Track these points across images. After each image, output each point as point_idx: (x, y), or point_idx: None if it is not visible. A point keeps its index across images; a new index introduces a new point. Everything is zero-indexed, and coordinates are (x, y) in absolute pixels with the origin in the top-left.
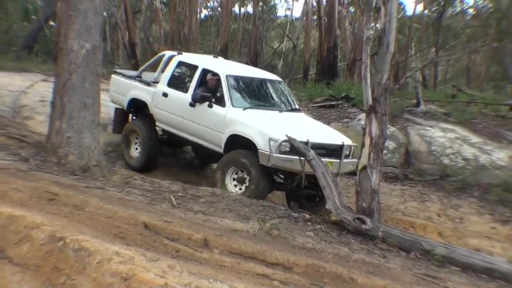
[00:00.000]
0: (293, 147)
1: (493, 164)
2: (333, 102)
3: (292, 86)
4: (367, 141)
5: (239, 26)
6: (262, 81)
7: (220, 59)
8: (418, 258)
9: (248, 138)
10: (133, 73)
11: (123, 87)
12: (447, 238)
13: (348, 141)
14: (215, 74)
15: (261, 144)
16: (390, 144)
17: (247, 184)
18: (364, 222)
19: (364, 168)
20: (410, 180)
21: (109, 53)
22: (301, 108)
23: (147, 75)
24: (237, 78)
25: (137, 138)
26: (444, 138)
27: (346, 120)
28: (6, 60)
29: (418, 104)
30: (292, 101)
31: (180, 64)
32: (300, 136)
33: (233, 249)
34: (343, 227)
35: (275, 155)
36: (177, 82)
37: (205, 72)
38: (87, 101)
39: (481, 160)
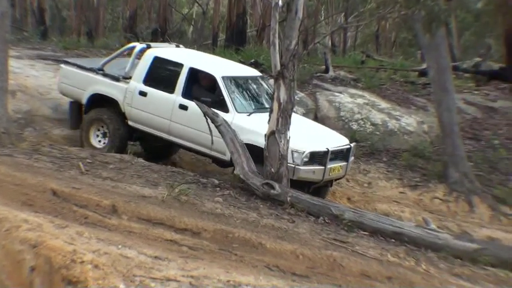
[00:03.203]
0: (313, 157)
1: (401, 129)
2: None
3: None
4: (276, 106)
5: None
6: (251, 79)
7: (183, 48)
8: (327, 223)
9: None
10: (89, 64)
11: (80, 80)
12: (356, 203)
13: (346, 141)
14: (209, 75)
15: None
16: (299, 110)
17: None
18: (272, 187)
19: (273, 133)
20: None
21: (18, 19)
22: None
23: (111, 68)
24: (232, 79)
25: (102, 127)
26: (353, 104)
27: None
28: None
29: (327, 70)
30: None
31: (157, 60)
32: (319, 145)
33: (142, 215)
34: (251, 192)
35: (301, 167)
36: (158, 80)
37: (192, 71)
38: None
39: (389, 125)
